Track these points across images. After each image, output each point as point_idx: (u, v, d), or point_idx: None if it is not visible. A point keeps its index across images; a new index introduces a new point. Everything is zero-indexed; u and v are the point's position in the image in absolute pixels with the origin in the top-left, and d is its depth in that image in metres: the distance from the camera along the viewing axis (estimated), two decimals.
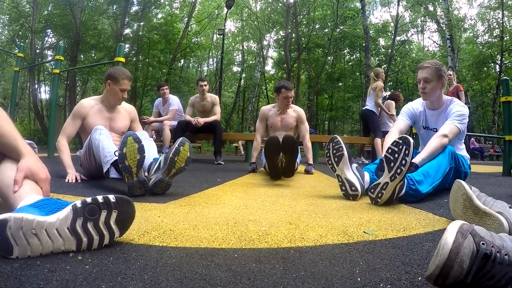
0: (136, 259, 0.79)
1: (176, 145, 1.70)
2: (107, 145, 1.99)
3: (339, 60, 20.01)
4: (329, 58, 18.90)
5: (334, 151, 1.84)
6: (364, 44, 15.81)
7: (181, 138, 1.75)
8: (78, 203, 0.82)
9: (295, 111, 3.41)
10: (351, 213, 1.41)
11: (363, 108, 5.57)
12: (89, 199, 0.83)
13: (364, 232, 1.10)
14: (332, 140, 1.87)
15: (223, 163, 4.50)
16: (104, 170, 1.94)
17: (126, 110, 2.57)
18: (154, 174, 1.78)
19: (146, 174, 1.82)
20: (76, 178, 2.16)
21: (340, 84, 19.92)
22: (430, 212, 1.45)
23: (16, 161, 1.06)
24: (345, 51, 19.43)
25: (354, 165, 1.86)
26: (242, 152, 11.71)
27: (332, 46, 17.70)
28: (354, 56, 19.57)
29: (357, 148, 7.02)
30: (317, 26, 18.34)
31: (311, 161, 3.42)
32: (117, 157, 1.68)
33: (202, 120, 4.53)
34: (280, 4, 18.01)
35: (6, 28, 18.19)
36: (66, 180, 2.09)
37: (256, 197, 1.81)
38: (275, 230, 1.09)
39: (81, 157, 2.35)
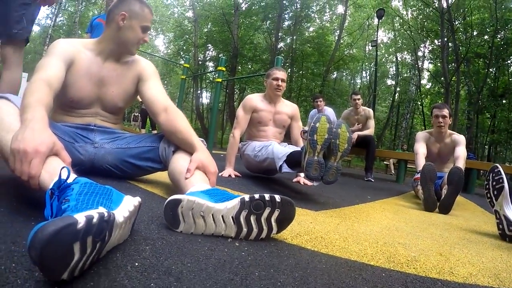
0: (289, 257, 0.85)
1: (334, 129, 1.68)
2: (281, 149, 2.13)
3: (502, 72, 16.00)
4: (490, 70, 15.53)
5: (494, 183, 1.57)
6: None
7: (336, 120, 1.73)
8: (246, 197, 0.91)
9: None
10: (507, 256, 1.19)
11: None
12: (257, 196, 0.91)
13: None
14: (492, 170, 1.60)
15: (373, 180, 4.33)
16: (278, 166, 2.02)
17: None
18: None
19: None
20: (229, 175, 2.46)
21: (504, 101, 15.72)
22: None
23: (188, 153, 1.28)
24: (509, 61, 15.55)
25: None
26: (393, 172, 10.87)
27: (494, 55, 14.51)
28: None
29: None
30: (475, 33, 15.27)
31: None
32: (290, 151, 1.86)
33: (355, 135, 4.34)
34: (433, 10, 16.00)
35: (172, 43, 22.26)
36: (220, 174, 2.36)
37: (406, 220, 1.70)
38: (424, 258, 1.01)
39: (244, 150, 2.68)
